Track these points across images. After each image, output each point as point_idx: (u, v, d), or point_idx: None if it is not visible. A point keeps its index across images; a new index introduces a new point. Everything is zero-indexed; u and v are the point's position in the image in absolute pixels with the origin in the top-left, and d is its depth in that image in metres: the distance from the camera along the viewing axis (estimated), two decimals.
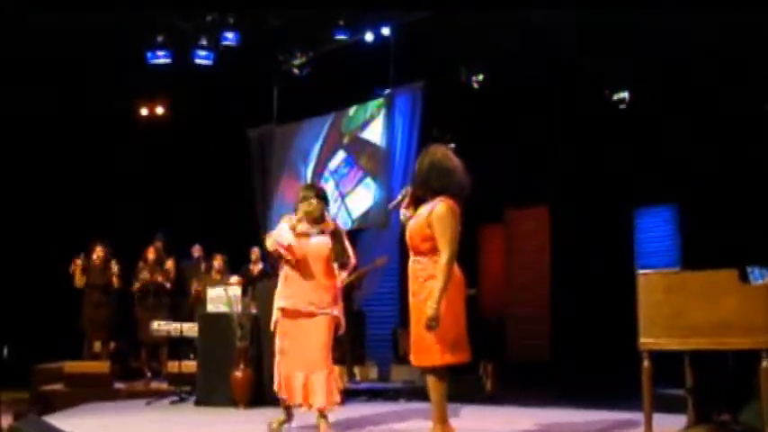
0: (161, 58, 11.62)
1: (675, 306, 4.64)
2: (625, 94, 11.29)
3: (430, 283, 4.53)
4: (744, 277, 5.23)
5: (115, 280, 9.75)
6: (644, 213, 12.78)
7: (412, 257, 4.73)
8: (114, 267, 9.70)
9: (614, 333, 10.99)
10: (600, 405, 8.34)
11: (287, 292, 5.54)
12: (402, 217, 4.89)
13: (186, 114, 12.49)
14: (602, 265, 12.17)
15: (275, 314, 5.59)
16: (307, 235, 5.53)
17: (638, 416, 5.20)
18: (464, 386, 8.90)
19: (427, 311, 4.44)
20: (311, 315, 5.47)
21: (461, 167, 4.76)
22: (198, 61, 11.69)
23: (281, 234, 5.47)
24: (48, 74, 11.11)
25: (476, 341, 10.81)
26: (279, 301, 5.57)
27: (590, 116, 11.50)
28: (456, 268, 4.64)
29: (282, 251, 5.45)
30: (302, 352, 5.45)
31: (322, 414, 5.48)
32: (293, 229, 5.48)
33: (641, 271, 4.85)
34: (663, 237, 12.51)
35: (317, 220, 5.57)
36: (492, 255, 14.52)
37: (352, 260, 5.70)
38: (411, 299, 4.69)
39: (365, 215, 11.11)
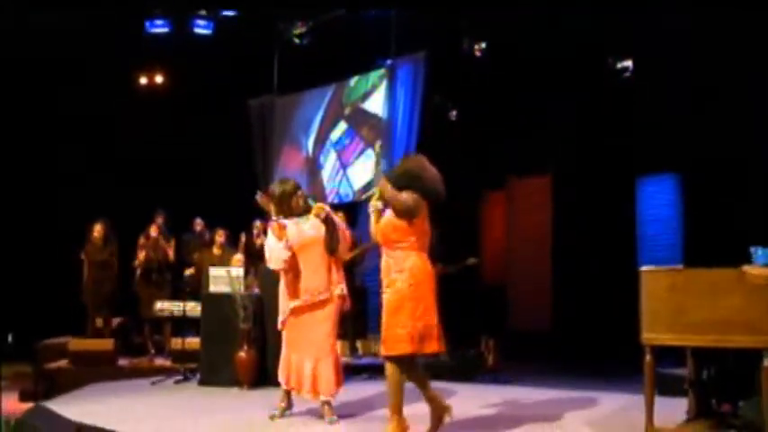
0: (159, 28, 11.52)
1: (678, 303, 4.66)
2: (628, 63, 11.20)
3: (395, 275, 4.77)
4: (747, 257, 5.25)
5: (114, 261, 9.74)
6: (646, 182, 12.75)
7: (384, 254, 4.91)
8: (113, 247, 9.71)
9: (615, 302, 11.11)
10: (601, 380, 8.47)
11: (298, 289, 5.61)
12: (371, 209, 5.06)
13: (186, 85, 12.36)
14: (604, 235, 12.21)
15: (284, 313, 5.67)
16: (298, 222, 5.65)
17: (638, 398, 5.21)
18: (466, 361, 9.00)
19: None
20: (325, 303, 5.57)
21: (437, 176, 4.97)
22: (197, 31, 11.59)
23: (273, 253, 5.62)
24: (46, 49, 11.02)
25: (477, 313, 10.89)
26: (292, 302, 5.63)
27: (592, 85, 11.43)
28: (427, 262, 4.89)
29: (286, 265, 5.59)
30: (310, 340, 5.55)
31: (326, 400, 5.56)
32: (279, 232, 5.58)
33: (645, 267, 4.84)
34: (665, 206, 12.49)
35: (305, 210, 5.69)
36: (494, 222, 14.56)
37: (345, 240, 5.75)
38: (384, 291, 4.86)
39: (366, 187, 11.05)
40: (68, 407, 6.33)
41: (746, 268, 4.57)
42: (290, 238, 5.57)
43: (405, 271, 4.77)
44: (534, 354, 11.59)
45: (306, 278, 5.58)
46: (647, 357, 4.79)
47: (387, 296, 4.81)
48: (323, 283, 5.57)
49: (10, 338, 8.24)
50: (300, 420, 5.70)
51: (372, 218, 5.06)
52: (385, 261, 4.88)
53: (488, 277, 13.45)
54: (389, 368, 4.76)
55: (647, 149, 11.71)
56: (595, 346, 11.13)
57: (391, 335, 4.73)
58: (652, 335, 4.75)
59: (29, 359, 9.37)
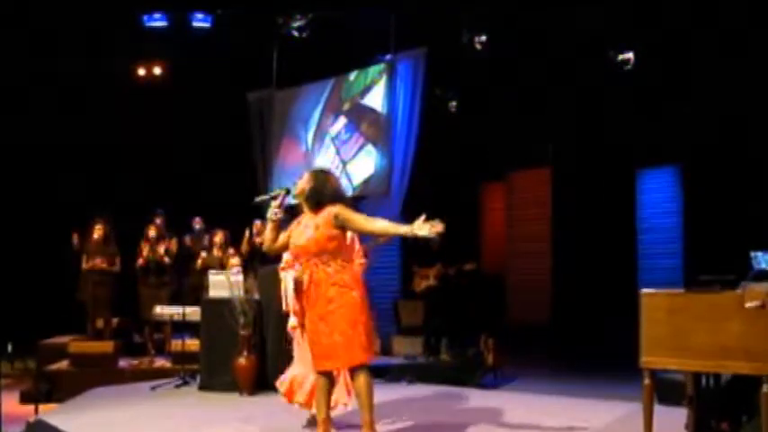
0: (157, 21, 11.46)
1: (678, 327, 4.63)
2: (630, 55, 11.15)
3: (343, 289, 4.69)
4: (748, 263, 5.22)
5: (116, 261, 9.70)
6: (646, 174, 12.76)
7: (315, 264, 4.77)
8: (114, 249, 9.66)
9: (614, 294, 11.13)
10: (600, 379, 8.49)
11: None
12: (273, 215, 4.95)
13: (185, 80, 12.24)
14: (604, 226, 12.24)
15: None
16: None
17: (636, 407, 5.16)
18: (466, 361, 9.03)
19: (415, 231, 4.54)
20: None
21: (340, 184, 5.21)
22: (195, 24, 11.53)
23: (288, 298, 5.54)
24: (46, 47, 10.97)
25: (477, 312, 10.88)
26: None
27: (593, 77, 11.39)
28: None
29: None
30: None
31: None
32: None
33: (644, 290, 4.81)
34: (664, 196, 12.52)
35: None
36: (493, 213, 14.59)
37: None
38: (325, 305, 4.71)
39: (366, 183, 11.02)
40: (69, 418, 6.35)
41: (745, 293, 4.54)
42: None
43: (353, 284, 4.75)
44: (533, 348, 11.63)
45: None
46: (646, 381, 4.77)
47: (339, 308, 4.68)
48: None
49: (10, 348, 8.24)
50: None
51: (270, 227, 4.97)
52: (322, 271, 4.74)
53: (487, 268, 13.48)
54: (364, 377, 4.73)
55: (648, 141, 11.73)
56: (595, 337, 11.17)
57: (358, 344, 4.68)
58: (651, 358, 4.73)
59: (30, 355, 9.40)
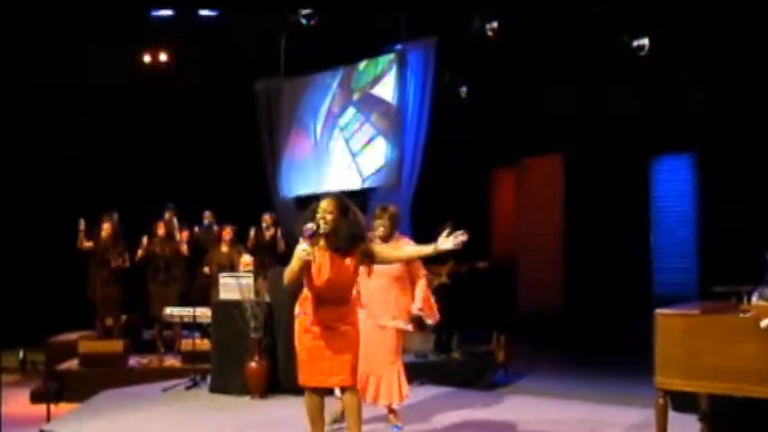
0: (163, 11, 11.39)
1: (692, 348, 4.59)
2: (645, 41, 11.03)
3: (356, 316, 4.93)
4: (764, 264, 5.14)
5: (125, 258, 9.67)
6: (661, 161, 12.65)
7: (337, 305, 4.77)
8: (122, 246, 9.62)
9: (627, 280, 11.08)
10: (613, 379, 8.45)
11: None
12: (305, 255, 4.54)
13: (191, 72, 12.13)
14: (617, 212, 12.17)
15: None
16: None
17: (649, 414, 5.13)
18: (476, 359, 9.02)
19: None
20: None
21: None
22: (202, 13, 11.44)
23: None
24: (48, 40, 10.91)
25: (489, 309, 10.81)
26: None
27: (607, 63, 11.27)
28: None
29: None
30: (371, 355, 5.48)
31: (390, 408, 5.71)
32: None
33: (659, 311, 4.74)
34: (679, 185, 12.43)
35: None
36: (505, 198, 14.52)
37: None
38: (343, 326, 4.78)
39: (376, 174, 10.94)
40: (81, 426, 6.33)
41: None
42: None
43: (358, 308, 5.11)
44: (544, 338, 11.59)
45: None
46: (660, 401, 4.74)
47: (351, 330, 4.83)
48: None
49: (21, 354, 8.26)
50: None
51: (299, 265, 4.57)
52: (342, 311, 4.79)
53: (498, 255, 13.41)
54: (358, 395, 4.92)
55: (661, 128, 11.64)
56: (605, 327, 11.10)
57: (354, 367, 4.84)
58: (665, 379, 4.70)
59: (37, 349, 9.41)
